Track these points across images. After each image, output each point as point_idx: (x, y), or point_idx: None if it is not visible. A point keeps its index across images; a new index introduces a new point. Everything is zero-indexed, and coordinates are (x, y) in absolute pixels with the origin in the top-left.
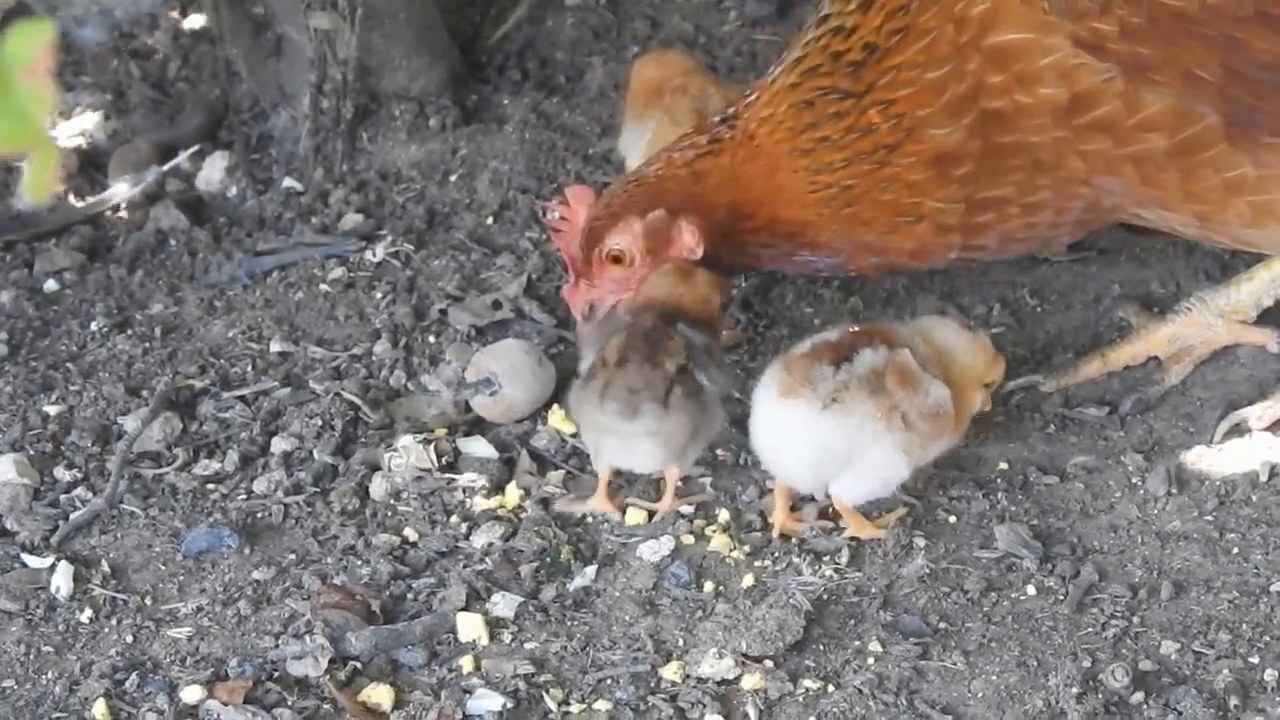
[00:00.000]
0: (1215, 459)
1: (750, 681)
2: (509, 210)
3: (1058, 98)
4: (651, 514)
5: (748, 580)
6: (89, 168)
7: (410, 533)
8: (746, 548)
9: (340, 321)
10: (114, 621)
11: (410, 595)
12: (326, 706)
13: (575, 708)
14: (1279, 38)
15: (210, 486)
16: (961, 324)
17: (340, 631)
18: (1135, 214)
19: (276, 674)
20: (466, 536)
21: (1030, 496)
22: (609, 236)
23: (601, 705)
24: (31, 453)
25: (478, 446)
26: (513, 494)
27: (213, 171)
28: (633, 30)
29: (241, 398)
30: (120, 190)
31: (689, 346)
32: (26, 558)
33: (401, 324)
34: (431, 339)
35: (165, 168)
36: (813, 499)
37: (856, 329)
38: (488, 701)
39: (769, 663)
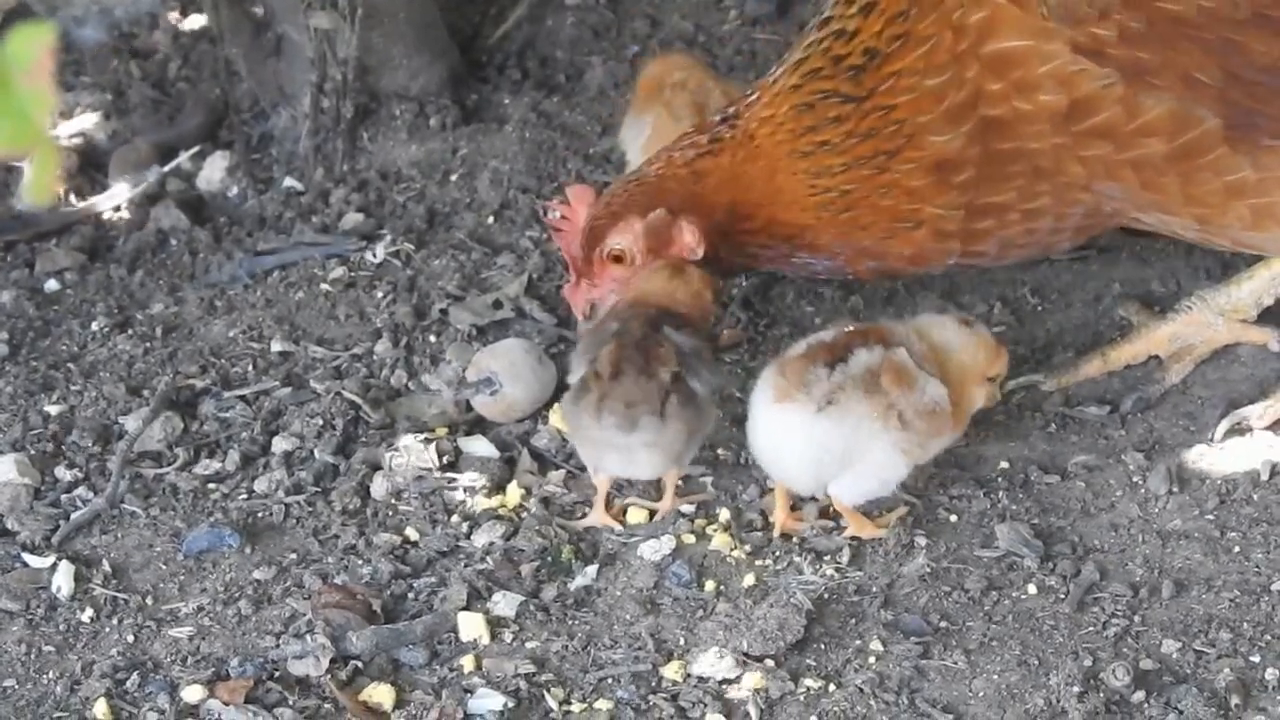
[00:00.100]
0: (1216, 458)
1: (751, 681)
2: (509, 209)
3: (1057, 104)
4: (652, 513)
5: (749, 579)
6: (89, 168)
7: (411, 532)
8: (747, 547)
9: (341, 321)
10: (115, 621)
11: (411, 595)
12: (327, 706)
13: (576, 707)
14: (1277, 40)
15: (211, 486)
16: (960, 320)
17: (341, 631)
18: (1135, 218)
19: (277, 673)
20: (467, 536)
21: (1031, 495)
22: (610, 236)
23: (602, 704)
24: (32, 452)
25: (479, 446)
26: (514, 493)
27: (213, 171)
28: (632, 29)
29: (242, 397)
30: (121, 190)
31: (679, 352)
32: (27, 557)
33: (402, 323)
34: (432, 338)
35: (166, 168)
36: (813, 499)
37: (851, 328)
38: (489, 701)
39: (770, 662)
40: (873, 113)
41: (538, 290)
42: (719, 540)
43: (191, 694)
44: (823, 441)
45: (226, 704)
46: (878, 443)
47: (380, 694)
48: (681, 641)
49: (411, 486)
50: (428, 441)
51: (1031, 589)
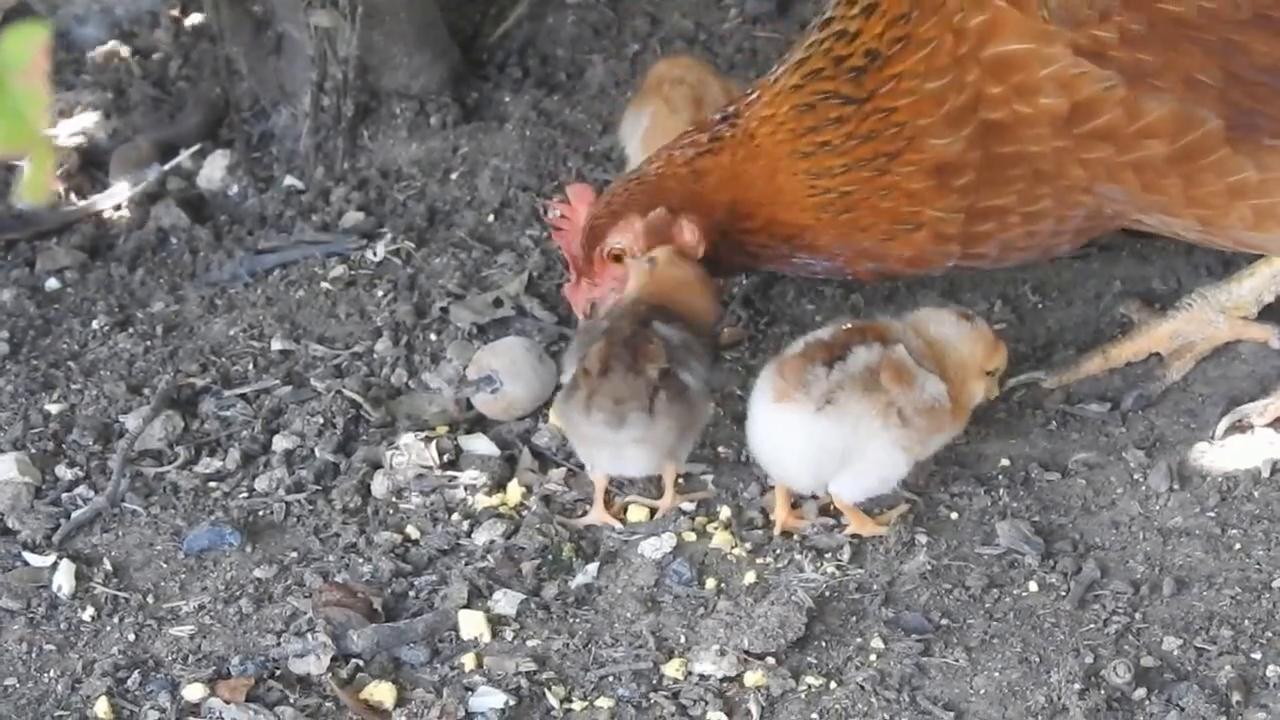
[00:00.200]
0: (1217, 455)
1: (752, 678)
2: (510, 208)
3: (1058, 108)
4: (653, 511)
5: (749, 577)
6: (90, 166)
7: (412, 530)
8: (748, 545)
9: (341, 319)
10: (116, 620)
11: (412, 593)
12: (328, 704)
13: (577, 705)
14: (1278, 40)
15: (212, 484)
16: (959, 314)
17: (342, 629)
18: (1137, 220)
19: (278, 672)
20: (468, 534)
21: (1032, 493)
22: (610, 235)
23: (603, 702)
24: (33, 451)
25: (479, 444)
26: (514, 491)
27: (214, 170)
28: (633, 27)
29: (243, 396)
30: (121, 189)
31: (668, 347)
32: (28, 556)
33: (403, 322)
34: (433, 337)
35: (166, 166)
36: (814, 496)
37: (849, 326)
38: (490, 699)
39: (771, 660)
40: (874, 114)
41: (538, 288)
42: (720, 538)
43: (192, 692)
44: (822, 441)
45: (227, 702)
46: (877, 440)
47: (381, 692)
48: (682, 639)
49: (412, 485)
50: (428, 440)
51: (1032, 586)
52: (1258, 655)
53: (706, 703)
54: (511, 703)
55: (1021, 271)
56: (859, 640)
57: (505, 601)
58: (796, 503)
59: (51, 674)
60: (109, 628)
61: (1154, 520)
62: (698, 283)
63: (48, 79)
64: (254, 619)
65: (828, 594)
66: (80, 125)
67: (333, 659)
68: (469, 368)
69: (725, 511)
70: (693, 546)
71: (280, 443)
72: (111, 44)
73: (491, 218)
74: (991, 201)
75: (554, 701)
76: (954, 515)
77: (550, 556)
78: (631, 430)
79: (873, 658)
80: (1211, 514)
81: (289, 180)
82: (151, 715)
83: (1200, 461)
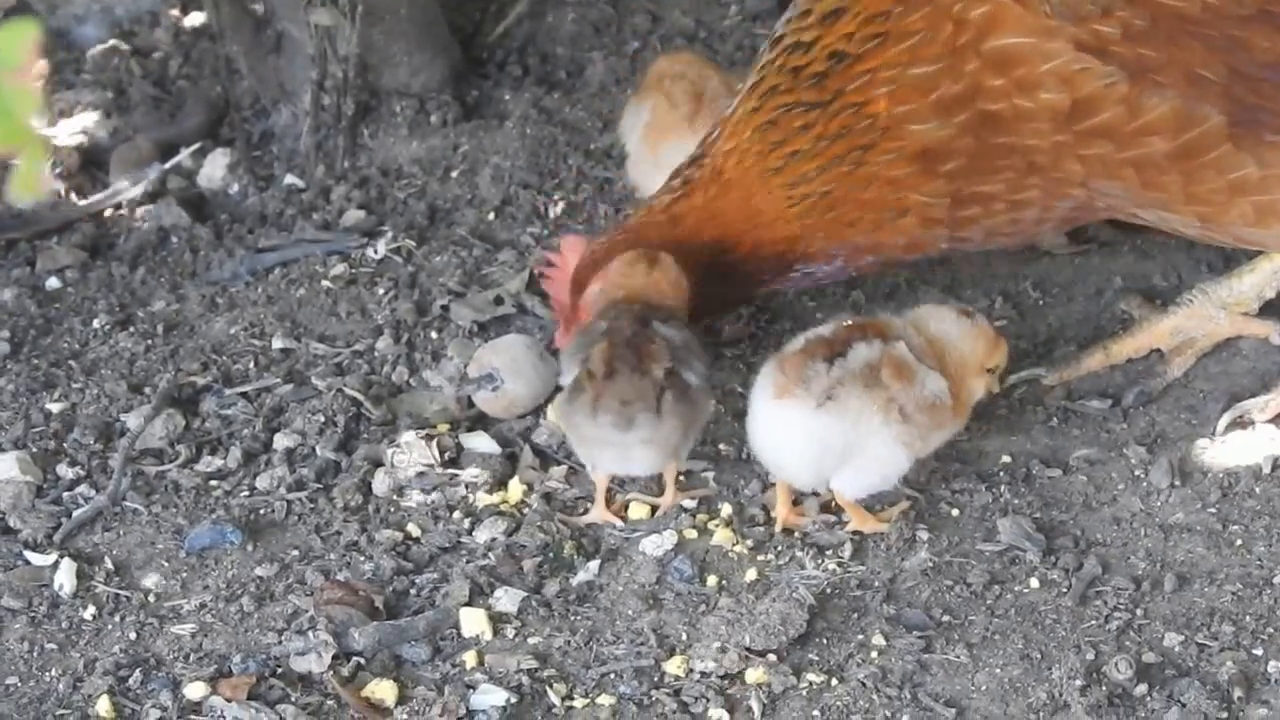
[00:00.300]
0: (1218, 451)
1: (753, 675)
2: (510, 206)
3: (1059, 103)
4: (654, 509)
5: (750, 574)
6: (90, 166)
7: (413, 528)
8: (749, 542)
9: (342, 318)
10: (117, 618)
11: (413, 591)
12: (330, 702)
13: (579, 702)
14: None
15: (213, 483)
16: (959, 311)
17: (343, 627)
18: (1133, 214)
19: (280, 670)
20: (469, 532)
21: (1033, 489)
22: (594, 284)
23: (605, 700)
24: (34, 450)
25: (480, 442)
26: (515, 489)
27: (214, 169)
28: (633, 25)
29: (244, 394)
30: (122, 188)
31: (670, 346)
32: (29, 555)
33: (403, 320)
34: (433, 335)
35: (167, 165)
36: (815, 493)
37: (849, 323)
38: (491, 696)
39: (772, 656)
40: (842, 112)
41: (539, 286)
42: (721, 535)
43: (194, 691)
44: (823, 437)
45: (229, 701)
46: (878, 437)
47: (383, 690)
48: (684, 636)
49: (413, 483)
50: (429, 438)
51: (1034, 583)
52: (1259, 651)
53: (708, 700)
54: (513, 700)
55: (1022, 268)
56: (860, 637)
57: (506, 599)
58: (797, 500)
59: (53, 673)
60: (110, 626)
61: (1155, 516)
62: (664, 283)
63: (42, 77)
64: (255, 617)
65: (829, 591)
66: (80, 125)
67: (334, 657)
68: (470, 365)
69: (726, 509)
70: (694, 544)
71: (281, 441)
72: (111, 43)
73: (492, 216)
74: (978, 188)
75: (555, 699)
76: (955, 512)
77: (551, 554)
78: (640, 431)
79: (874, 654)
80: (1213, 510)
81: (289, 179)
82: (153, 714)
83: (1201, 457)
